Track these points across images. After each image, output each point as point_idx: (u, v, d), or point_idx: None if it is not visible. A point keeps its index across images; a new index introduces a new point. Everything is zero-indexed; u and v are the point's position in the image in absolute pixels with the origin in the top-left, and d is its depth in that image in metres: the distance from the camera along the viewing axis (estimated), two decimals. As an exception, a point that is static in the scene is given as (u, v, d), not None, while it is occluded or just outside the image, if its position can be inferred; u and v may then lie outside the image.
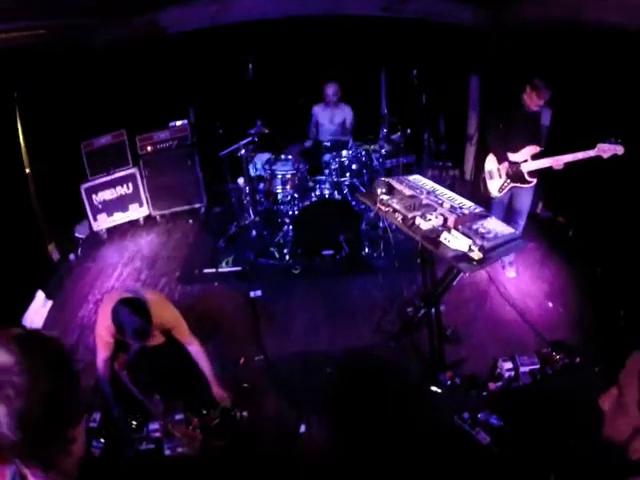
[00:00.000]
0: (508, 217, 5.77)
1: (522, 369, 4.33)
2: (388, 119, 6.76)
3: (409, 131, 6.96)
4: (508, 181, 5.44)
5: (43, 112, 6.38)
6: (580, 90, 5.67)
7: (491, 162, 5.58)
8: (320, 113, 7.59)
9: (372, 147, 6.78)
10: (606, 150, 4.51)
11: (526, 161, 5.24)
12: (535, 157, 5.18)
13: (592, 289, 5.51)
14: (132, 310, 3.46)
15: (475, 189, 7.66)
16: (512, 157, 5.33)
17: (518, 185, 5.42)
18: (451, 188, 8.23)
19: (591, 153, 4.62)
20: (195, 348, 4.05)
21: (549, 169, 5.06)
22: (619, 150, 4.47)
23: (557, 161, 4.92)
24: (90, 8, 5.50)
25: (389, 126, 6.71)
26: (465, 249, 3.48)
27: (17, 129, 6.14)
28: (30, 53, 5.72)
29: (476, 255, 3.39)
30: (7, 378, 1.36)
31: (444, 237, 3.58)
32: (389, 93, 7.35)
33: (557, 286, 5.78)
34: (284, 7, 7.42)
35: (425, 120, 7.42)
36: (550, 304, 5.48)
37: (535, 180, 5.35)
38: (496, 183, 5.55)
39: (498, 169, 5.49)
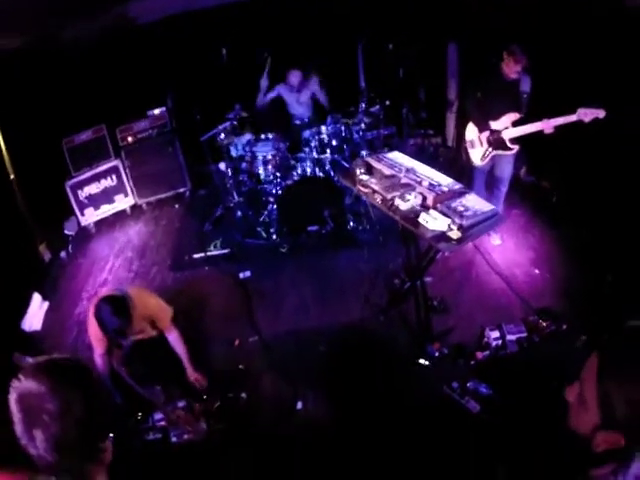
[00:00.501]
0: (490, 184, 5.86)
1: (509, 337, 4.44)
2: (366, 92, 6.78)
3: (388, 102, 6.97)
4: (490, 149, 5.48)
5: (21, 114, 6.38)
6: (558, 56, 5.69)
7: (472, 131, 5.61)
8: (286, 94, 7.58)
9: (351, 121, 6.75)
10: (587, 114, 4.55)
11: (507, 128, 5.27)
12: (516, 124, 5.21)
13: (578, 254, 5.56)
14: (112, 310, 3.59)
15: (457, 155, 7.72)
16: (493, 125, 5.36)
17: (500, 152, 5.46)
18: (434, 156, 8.37)
19: (572, 118, 4.67)
20: (174, 336, 4.21)
21: (534, 134, 5.09)
22: (600, 114, 4.52)
23: (539, 126, 4.96)
24: (56, 7, 5.47)
25: (368, 99, 6.73)
26: (444, 229, 3.54)
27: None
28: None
29: (455, 234, 3.46)
30: (41, 405, 1.50)
31: (423, 218, 3.64)
32: (366, 67, 7.35)
33: (542, 252, 5.84)
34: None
35: (403, 93, 7.40)
36: (536, 271, 5.55)
37: (517, 147, 5.39)
38: (478, 152, 5.59)
39: (479, 137, 5.52)
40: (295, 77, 7.35)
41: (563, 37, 5.65)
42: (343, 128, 6.65)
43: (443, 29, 7.80)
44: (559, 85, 5.58)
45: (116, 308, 3.60)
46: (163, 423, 4.15)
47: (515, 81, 5.22)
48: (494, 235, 6.02)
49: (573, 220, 5.96)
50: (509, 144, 5.33)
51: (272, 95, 7.61)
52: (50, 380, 1.53)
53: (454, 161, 8.00)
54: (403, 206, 3.85)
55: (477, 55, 6.85)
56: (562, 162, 6.24)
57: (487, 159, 5.56)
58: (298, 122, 7.52)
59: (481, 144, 5.53)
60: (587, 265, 5.32)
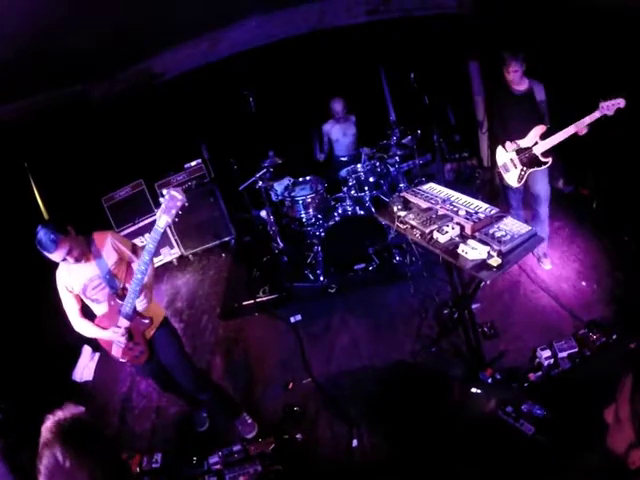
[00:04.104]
0: (530, 203, 5.78)
1: (560, 355, 4.43)
2: (397, 124, 6.82)
3: (419, 132, 6.99)
4: (524, 169, 5.34)
5: (57, 177, 6.62)
6: (568, 58, 5.68)
7: (503, 154, 5.50)
8: (332, 129, 7.57)
9: (386, 155, 6.74)
10: (610, 107, 4.49)
11: (536, 143, 5.15)
12: (544, 136, 5.09)
13: (622, 261, 5.49)
14: (44, 224, 3.51)
15: (493, 176, 7.68)
16: (522, 143, 5.25)
17: (535, 169, 5.33)
18: (471, 179, 8.32)
19: (597, 114, 4.59)
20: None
21: (565, 141, 4.98)
22: (621, 103, 4.45)
23: (567, 133, 4.85)
24: (80, 70, 5.71)
25: (399, 131, 6.76)
26: (484, 256, 3.52)
27: (35, 198, 6.39)
28: (31, 126, 5.99)
29: (495, 262, 3.43)
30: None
31: (461, 249, 3.63)
32: (392, 99, 7.39)
33: (588, 263, 5.73)
34: (271, 32, 7.48)
35: (431, 121, 7.43)
36: (583, 283, 5.45)
37: (550, 159, 5.22)
38: (513, 174, 5.45)
39: (511, 160, 5.40)
40: (339, 104, 7.30)
41: (569, 38, 5.62)
42: (378, 163, 6.63)
43: (459, 48, 7.78)
44: (573, 87, 5.52)
45: (49, 223, 3.53)
46: (219, 466, 4.25)
47: (527, 93, 5.20)
48: (544, 260, 5.87)
49: (615, 226, 5.90)
50: (542, 158, 5.20)
51: (325, 140, 7.69)
52: (70, 451, 1.74)
53: (491, 182, 7.98)
54: (442, 239, 3.85)
55: (492, 70, 6.85)
56: (598, 167, 6.18)
57: (524, 179, 5.43)
58: (345, 158, 7.48)
59: (515, 166, 5.40)
60: (632, 271, 5.25)
